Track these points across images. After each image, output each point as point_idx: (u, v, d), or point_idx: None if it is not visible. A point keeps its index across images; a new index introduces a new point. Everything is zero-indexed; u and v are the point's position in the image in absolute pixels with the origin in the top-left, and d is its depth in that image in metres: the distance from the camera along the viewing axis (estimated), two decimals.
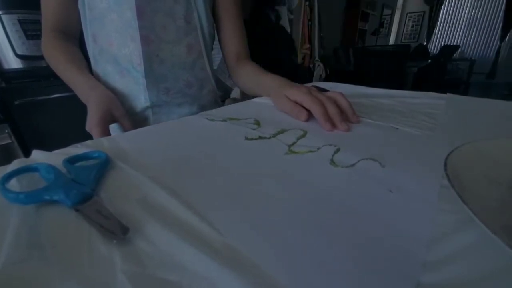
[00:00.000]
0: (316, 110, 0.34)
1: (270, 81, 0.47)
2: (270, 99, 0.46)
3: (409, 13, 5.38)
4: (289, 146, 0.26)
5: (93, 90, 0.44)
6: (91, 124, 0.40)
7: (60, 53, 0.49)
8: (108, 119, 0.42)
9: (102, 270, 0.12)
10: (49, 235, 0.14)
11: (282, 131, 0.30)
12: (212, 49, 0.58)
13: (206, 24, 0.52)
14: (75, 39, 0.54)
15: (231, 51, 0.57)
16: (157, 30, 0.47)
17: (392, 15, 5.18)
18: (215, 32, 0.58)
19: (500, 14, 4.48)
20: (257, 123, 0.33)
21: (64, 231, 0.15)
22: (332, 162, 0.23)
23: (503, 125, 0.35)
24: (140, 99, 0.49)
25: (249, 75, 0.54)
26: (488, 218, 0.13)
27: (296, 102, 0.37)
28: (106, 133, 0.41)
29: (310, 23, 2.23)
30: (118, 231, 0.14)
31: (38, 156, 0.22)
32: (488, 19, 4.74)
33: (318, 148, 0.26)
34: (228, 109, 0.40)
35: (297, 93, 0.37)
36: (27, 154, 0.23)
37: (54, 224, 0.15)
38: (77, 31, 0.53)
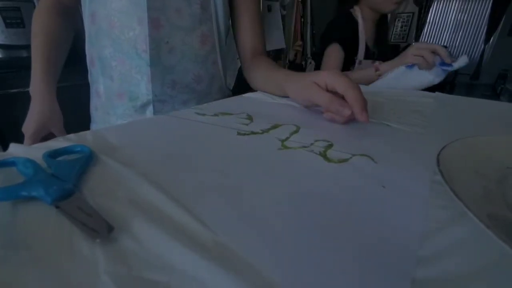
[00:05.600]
0: (354, 95, 0.29)
1: (286, 75, 0.41)
2: (264, 94, 0.45)
3: (399, 13, 5.47)
4: (282, 141, 0.26)
5: (41, 95, 0.44)
6: (26, 132, 0.43)
7: (40, 31, 0.47)
8: (43, 133, 0.44)
9: (84, 272, 0.11)
10: (27, 234, 0.13)
11: (275, 126, 0.30)
12: (226, 43, 0.53)
13: (222, 14, 0.48)
14: (69, 12, 0.51)
15: (247, 46, 0.52)
16: (169, 14, 0.42)
17: None
18: (230, 25, 0.54)
19: (485, 18, 4.63)
20: (250, 118, 0.33)
21: (43, 229, 0.14)
22: (325, 157, 0.23)
23: (487, 122, 0.36)
24: (142, 90, 0.45)
25: (263, 72, 0.48)
26: (481, 213, 0.13)
27: (326, 88, 0.32)
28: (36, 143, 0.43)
29: (302, 19, 2.23)
30: (101, 229, 0.13)
31: (16, 149, 0.21)
32: (474, 22, 4.89)
33: (311, 144, 0.25)
34: (219, 104, 0.40)
35: (327, 75, 0.32)
36: (5, 147, 0.21)
37: (33, 222, 0.14)
38: (73, 3, 0.49)
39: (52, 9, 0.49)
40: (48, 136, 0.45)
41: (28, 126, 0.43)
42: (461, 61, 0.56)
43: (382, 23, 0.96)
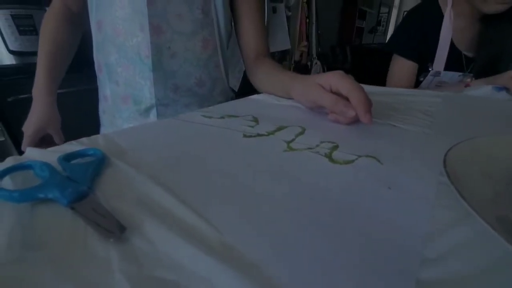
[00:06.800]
0: (358, 96, 0.29)
1: (291, 77, 0.41)
2: (270, 96, 0.45)
3: (406, 11, 5.38)
4: (288, 143, 0.26)
5: (41, 98, 0.48)
6: (26, 131, 0.47)
7: (48, 37, 0.50)
8: (41, 133, 0.48)
9: (98, 270, 0.12)
10: (44, 234, 0.14)
11: (280, 128, 0.30)
12: (227, 47, 0.54)
13: (222, 18, 0.48)
14: (76, 18, 0.53)
15: (250, 48, 0.53)
16: (171, 20, 0.43)
17: (389, 13, 5.18)
18: (232, 28, 0.54)
19: None
20: (255, 120, 0.33)
21: (59, 230, 0.14)
22: (331, 159, 0.23)
23: (496, 122, 0.36)
24: (145, 95, 0.46)
25: (267, 73, 0.48)
26: (488, 215, 0.13)
27: (330, 90, 0.32)
28: (34, 143, 0.47)
29: (307, 20, 2.22)
30: (115, 229, 0.14)
31: (32, 153, 0.22)
32: None
33: (317, 145, 0.26)
34: (226, 106, 0.40)
35: (332, 76, 0.32)
36: (21, 152, 0.22)
37: (49, 223, 0.15)
38: (81, 10, 0.52)
39: (61, 16, 0.51)
40: (46, 137, 0.49)
41: (28, 126, 0.47)
42: None
43: (499, 19, 0.59)
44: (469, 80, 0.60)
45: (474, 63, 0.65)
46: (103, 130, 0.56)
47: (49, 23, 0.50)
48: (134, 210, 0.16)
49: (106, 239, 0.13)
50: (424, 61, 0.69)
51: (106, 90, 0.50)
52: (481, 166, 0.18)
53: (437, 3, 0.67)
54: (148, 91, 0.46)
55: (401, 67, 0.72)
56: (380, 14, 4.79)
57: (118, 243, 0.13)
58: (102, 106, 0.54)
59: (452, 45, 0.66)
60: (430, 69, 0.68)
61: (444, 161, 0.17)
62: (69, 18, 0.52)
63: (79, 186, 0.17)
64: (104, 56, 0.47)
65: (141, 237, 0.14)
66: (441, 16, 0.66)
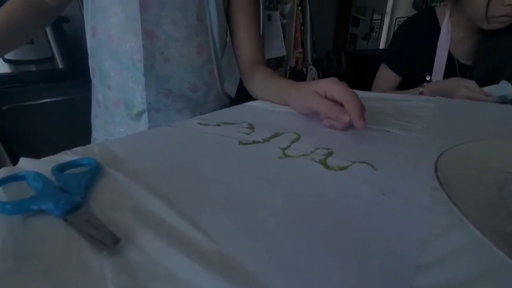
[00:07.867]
0: (352, 102, 0.30)
1: (287, 85, 0.42)
2: (265, 102, 0.46)
3: (398, 18, 5.51)
4: (283, 150, 0.26)
5: None
6: None
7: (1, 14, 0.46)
8: None
9: (92, 283, 0.12)
10: (37, 247, 0.14)
11: (276, 135, 0.30)
12: (222, 56, 0.54)
13: (216, 25, 0.49)
14: (47, 11, 0.51)
15: (245, 57, 0.53)
16: (165, 25, 0.44)
17: (381, 20, 5.30)
18: (228, 37, 0.55)
19: None
20: (251, 127, 0.33)
21: (52, 242, 0.14)
22: (326, 165, 0.23)
23: (489, 127, 0.36)
24: (137, 99, 0.46)
25: (263, 80, 0.49)
26: (479, 220, 0.13)
27: (325, 96, 0.33)
28: None
29: (302, 27, 2.26)
30: (108, 241, 0.13)
31: (25, 164, 0.22)
32: None
33: (312, 152, 0.26)
34: (222, 113, 0.40)
35: (326, 83, 0.33)
36: (15, 161, 0.22)
37: (42, 235, 0.15)
38: (56, 3, 0.50)
39: (29, 1, 0.49)
40: None
41: None
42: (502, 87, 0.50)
43: (497, 32, 0.59)
44: (421, 89, 0.62)
45: (471, 75, 0.65)
46: (94, 134, 0.55)
47: (12, 2, 0.48)
48: (129, 221, 0.15)
49: (100, 252, 0.13)
50: (420, 72, 0.70)
51: (99, 95, 0.50)
52: (473, 170, 0.18)
53: (434, 14, 0.68)
54: (140, 95, 0.46)
55: (386, 76, 0.77)
56: (373, 21, 4.89)
57: (112, 255, 0.13)
58: (95, 111, 0.54)
59: (448, 56, 0.67)
60: (427, 79, 0.69)
61: (436, 167, 0.17)
62: (37, 6, 0.50)
63: (73, 197, 0.17)
64: (98, 62, 0.47)
65: (136, 248, 0.14)
66: (437, 27, 0.66)
